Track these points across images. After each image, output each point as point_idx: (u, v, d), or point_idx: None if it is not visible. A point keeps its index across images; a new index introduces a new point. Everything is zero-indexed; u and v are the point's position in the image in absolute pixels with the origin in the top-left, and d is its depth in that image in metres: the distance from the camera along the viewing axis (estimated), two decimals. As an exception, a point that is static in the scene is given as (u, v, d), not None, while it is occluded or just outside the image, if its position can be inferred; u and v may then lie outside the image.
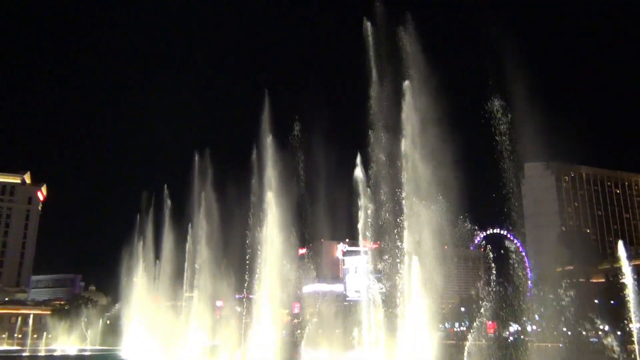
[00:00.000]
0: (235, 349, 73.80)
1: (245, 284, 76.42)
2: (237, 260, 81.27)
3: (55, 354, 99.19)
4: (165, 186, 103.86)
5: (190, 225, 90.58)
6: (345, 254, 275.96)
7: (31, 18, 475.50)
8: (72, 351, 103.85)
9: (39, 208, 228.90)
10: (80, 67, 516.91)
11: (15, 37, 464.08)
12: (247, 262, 74.73)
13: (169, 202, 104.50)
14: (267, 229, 65.99)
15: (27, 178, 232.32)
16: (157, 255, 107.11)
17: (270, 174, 64.52)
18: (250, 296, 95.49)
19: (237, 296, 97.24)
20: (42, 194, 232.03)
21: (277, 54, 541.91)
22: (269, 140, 66.78)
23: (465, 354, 38.38)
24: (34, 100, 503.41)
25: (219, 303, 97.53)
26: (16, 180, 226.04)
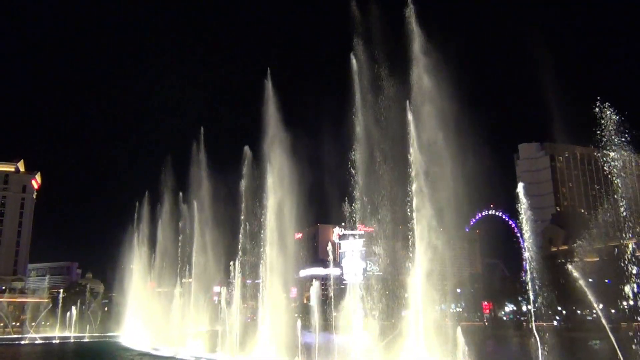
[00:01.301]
0: (232, 333, 74.17)
1: (231, 267, 76.74)
2: (234, 245, 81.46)
3: (53, 341, 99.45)
4: (162, 172, 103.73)
5: (186, 205, 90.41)
6: (341, 237, 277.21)
7: (24, 6, 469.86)
8: (71, 338, 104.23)
9: (34, 196, 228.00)
10: (74, 54, 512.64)
11: (8, 25, 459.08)
12: (240, 246, 75.12)
13: (167, 184, 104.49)
14: (267, 214, 66.20)
15: (21, 166, 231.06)
16: (154, 242, 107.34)
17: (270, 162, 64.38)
18: (247, 281, 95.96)
19: (231, 280, 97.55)
20: (36, 182, 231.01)
21: (276, 40, 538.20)
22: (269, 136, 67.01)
23: (460, 333, 38.64)
24: (27, 87, 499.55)
25: (216, 288, 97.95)
26: (10, 168, 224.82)
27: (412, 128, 44.31)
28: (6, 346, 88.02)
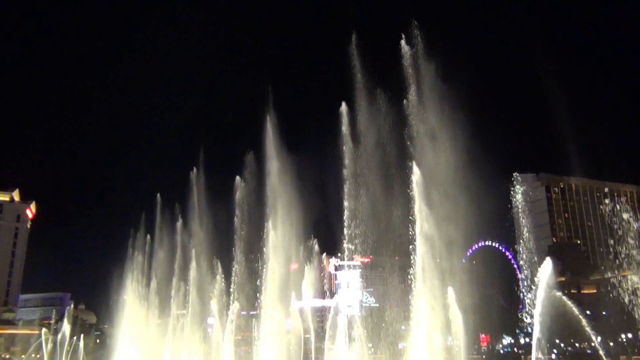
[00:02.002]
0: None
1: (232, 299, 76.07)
2: (229, 277, 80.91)
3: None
4: (158, 201, 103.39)
5: (181, 235, 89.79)
6: (337, 268, 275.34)
7: (22, 28, 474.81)
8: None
9: (28, 226, 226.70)
10: (69, 85, 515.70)
11: (2, 53, 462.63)
12: (233, 280, 74.50)
13: (159, 218, 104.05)
14: (268, 251, 65.99)
15: (16, 195, 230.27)
16: (148, 273, 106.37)
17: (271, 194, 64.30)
18: (243, 312, 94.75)
19: (229, 313, 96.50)
20: (31, 211, 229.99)
21: (275, 56, 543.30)
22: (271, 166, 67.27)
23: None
24: (23, 117, 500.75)
25: (210, 320, 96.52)
26: (5, 197, 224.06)
27: (415, 186, 44.26)
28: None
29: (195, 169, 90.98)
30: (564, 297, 35.87)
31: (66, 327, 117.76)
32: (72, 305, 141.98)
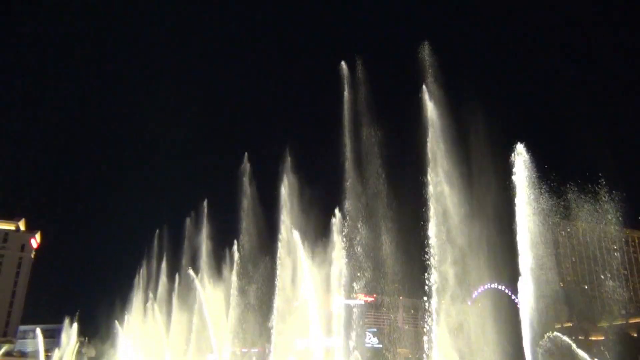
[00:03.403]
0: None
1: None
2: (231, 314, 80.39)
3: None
4: (156, 238, 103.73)
5: (183, 272, 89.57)
6: (339, 307, 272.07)
7: (27, 53, 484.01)
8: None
9: (32, 256, 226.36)
10: (74, 114, 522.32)
11: (8, 80, 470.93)
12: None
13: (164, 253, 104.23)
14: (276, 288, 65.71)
15: (22, 225, 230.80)
16: (149, 310, 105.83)
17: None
18: (243, 350, 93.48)
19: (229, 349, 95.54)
20: (35, 241, 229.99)
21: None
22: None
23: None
24: (30, 146, 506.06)
25: (210, 357, 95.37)
26: (10, 227, 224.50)
27: (432, 221, 44.42)
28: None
29: (193, 213, 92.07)
30: (573, 345, 35.23)
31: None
32: (76, 343, 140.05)
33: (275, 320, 66.32)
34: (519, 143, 42.29)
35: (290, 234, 60.94)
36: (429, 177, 46.46)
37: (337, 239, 57.17)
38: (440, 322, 43.31)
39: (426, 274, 45.62)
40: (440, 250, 43.53)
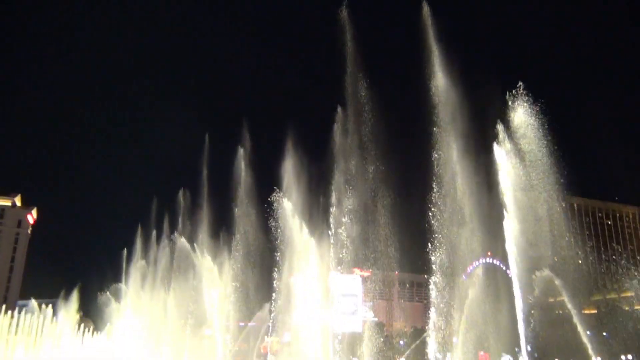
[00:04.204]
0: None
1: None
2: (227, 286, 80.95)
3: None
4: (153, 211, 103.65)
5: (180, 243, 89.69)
6: (336, 281, 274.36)
7: (22, 34, 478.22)
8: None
9: (29, 231, 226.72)
10: (72, 90, 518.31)
11: (2, 58, 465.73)
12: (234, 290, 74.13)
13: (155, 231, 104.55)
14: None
15: (18, 201, 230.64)
16: (146, 283, 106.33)
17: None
18: (241, 324, 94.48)
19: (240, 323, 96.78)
20: (32, 217, 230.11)
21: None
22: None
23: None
24: (25, 122, 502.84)
25: (208, 331, 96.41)
26: (6, 203, 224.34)
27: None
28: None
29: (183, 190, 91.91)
30: (576, 317, 35.78)
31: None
32: (76, 317, 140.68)
33: (273, 294, 66.76)
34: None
35: (284, 204, 60.52)
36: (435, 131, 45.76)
37: (335, 212, 57.19)
38: (444, 295, 43.77)
39: (429, 246, 45.77)
40: (450, 218, 43.44)
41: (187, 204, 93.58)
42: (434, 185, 44.40)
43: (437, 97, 46.06)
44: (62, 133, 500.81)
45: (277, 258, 65.34)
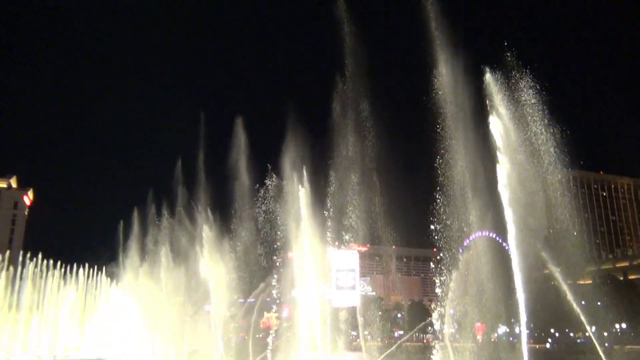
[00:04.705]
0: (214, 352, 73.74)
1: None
2: (226, 264, 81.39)
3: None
4: (150, 193, 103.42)
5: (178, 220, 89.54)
6: (333, 257, 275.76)
7: (16, 20, 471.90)
8: (58, 357, 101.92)
9: (26, 213, 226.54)
10: (66, 70, 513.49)
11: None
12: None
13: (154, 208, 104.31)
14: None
15: (14, 182, 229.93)
16: (144, 259, 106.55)
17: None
18: (240, 300, 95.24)
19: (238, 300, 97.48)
20: (28, 198, 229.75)
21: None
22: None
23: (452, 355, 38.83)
24: (19, 104, 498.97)
25: (207, 308, 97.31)
26: (2, 185, 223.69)
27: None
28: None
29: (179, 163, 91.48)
30: (565, 286, 36.27)
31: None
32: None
33: (272, 270, 67.14)
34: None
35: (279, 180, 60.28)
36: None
37: (332, 191, 57.20)
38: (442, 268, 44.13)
39: (433, 219, 45.81)
40: (459, 190, 43.26)
41: (185, 180, 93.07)
42: (438, 159, 43.80)
43: (439, 69, 45.30)
44: (57, 113, 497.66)
45: (277, 234, 65.49)
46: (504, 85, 40.42)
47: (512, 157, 39.13)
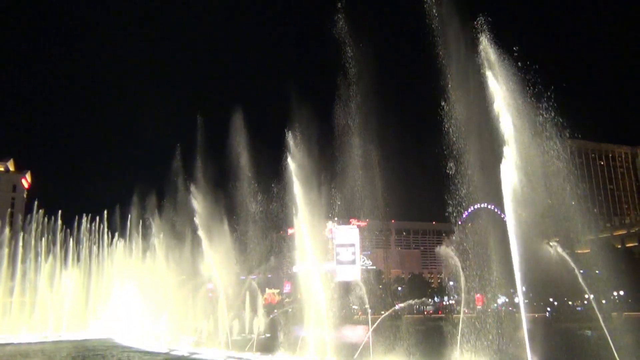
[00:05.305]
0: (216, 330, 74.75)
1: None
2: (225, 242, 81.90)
3: (45, 340, 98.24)
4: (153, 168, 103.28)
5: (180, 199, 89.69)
6: (334, 232, 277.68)
7: (15, 7, 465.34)
8: (63, 337, 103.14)
9: (24, 195, 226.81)
10: (63, 52, 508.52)
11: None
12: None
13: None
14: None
15: (11, 165, 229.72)
16: (147, 240, 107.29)
17: None
18: (242, 277, 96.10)
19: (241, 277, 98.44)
20: (26, 181, 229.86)
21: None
22: None
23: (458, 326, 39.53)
24: (15, 86, 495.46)
25: (209, 285, 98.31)
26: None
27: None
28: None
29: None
30: (564, 254, 36.58)
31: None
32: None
33: (273, 247, 67.55)
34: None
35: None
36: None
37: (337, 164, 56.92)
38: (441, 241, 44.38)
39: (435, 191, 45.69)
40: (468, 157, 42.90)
41: (184, 161, 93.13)
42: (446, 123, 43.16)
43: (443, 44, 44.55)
44: (53, 95, 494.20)
45: (277, 211, 65.63)
46: (502, 51, 39.88)
47: (512, 123, 38.94)
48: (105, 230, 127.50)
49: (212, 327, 79.44)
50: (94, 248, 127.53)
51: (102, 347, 79.11)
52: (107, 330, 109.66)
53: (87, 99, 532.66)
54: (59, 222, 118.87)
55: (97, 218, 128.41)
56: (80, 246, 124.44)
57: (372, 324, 49.28)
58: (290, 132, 56.68)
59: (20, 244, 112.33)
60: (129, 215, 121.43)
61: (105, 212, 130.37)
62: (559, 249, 36.77)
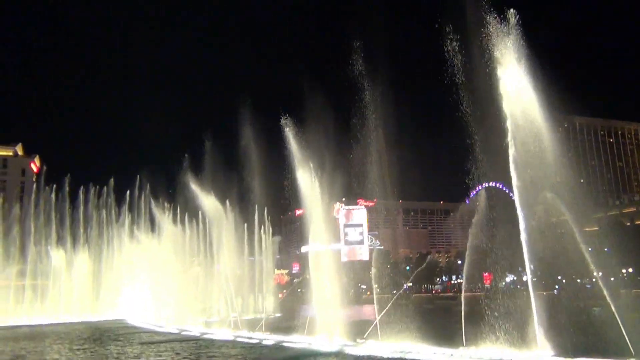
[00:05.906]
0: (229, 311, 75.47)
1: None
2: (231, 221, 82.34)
3: (58, 322, 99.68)
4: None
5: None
6: (342, 213, 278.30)
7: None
8: (76, 319, 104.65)
9: (34, 179, 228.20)
10: (71, 37, 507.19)
11: (6, 7, 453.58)
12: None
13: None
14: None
15: (20, 150, 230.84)
16: (154, 224, 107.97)
17: None
18: (250, 258, 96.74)
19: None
20: (35, 165, 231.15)
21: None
22: None
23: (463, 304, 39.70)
24: (24, 70, 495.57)
25: (218, 267, 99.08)
26: (8, 152, 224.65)
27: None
28: (8, 330, 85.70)
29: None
30: (572, 233, 36.49)
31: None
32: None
33: (281, 228, 67.84)
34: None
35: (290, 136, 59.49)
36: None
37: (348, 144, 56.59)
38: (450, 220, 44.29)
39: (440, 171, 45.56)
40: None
41: (191, 142, 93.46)
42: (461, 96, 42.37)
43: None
44: (61, 79, 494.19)
45: (285, 192, 65.53)
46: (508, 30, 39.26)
47: (518, 105, 38.63)
48: (113, 203, 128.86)
49: (222, 308, 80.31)
50: (104, 231, 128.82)
51: (115, 328, 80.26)
52: (119, 312, 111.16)
53: (97, 83, 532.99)
54: (66, 189, 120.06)
55: (105, 190, 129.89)
56: (89, 228, 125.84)
57: (381, 303, 49.58)
58: (297, 114, 56.46)
59: (32, 227, 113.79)
60: (141, 194, 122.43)
61: (113, 192, 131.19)
62: (566, 224, 36.65)
